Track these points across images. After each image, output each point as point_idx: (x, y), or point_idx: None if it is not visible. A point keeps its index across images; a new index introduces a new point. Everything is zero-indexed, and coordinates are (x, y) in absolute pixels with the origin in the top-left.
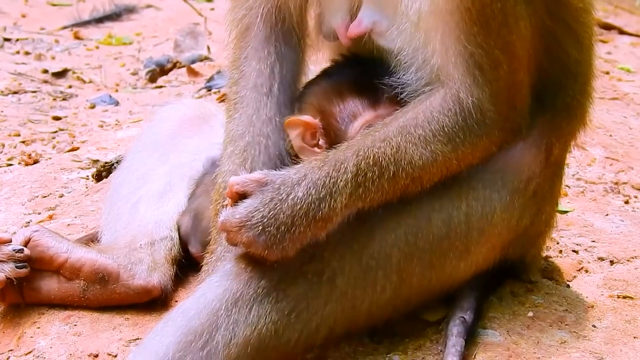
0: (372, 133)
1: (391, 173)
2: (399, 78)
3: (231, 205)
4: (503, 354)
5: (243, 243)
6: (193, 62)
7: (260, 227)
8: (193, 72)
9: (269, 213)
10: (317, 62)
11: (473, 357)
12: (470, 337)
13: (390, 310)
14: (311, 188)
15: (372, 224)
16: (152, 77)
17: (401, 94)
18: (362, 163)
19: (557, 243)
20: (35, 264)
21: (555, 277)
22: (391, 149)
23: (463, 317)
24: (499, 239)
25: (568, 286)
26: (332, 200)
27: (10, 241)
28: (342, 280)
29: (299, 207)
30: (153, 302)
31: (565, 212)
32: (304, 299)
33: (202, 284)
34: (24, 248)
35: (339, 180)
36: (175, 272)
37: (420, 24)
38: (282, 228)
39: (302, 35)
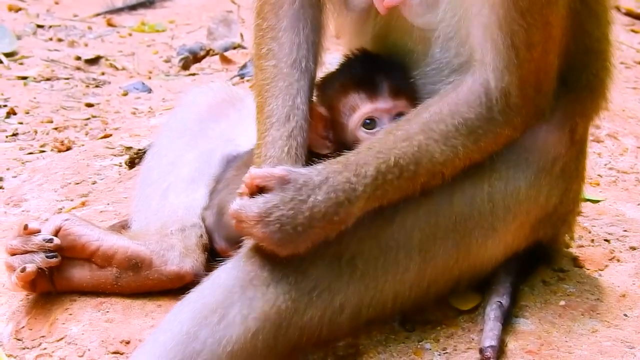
0: (393, 131)
1: (411, 172)
2: (417, 70)
3: (248, 196)
4: (535, 342)
5: (257, 237)
6: (226, 49)
7: (278, 225)
8: (226, 60)
9: (288, 212)
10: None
11: (505, 344)
12: (504, 324)
13: (419, 292)
14: (331, 192)
15: (391, 207)
16: (185, 65)
17: (409, 88)
18: (383, 166)
19: (589, 232)
20: (67, 253)
21: (586, 266)
22: (412, 149)
23: (500, 301)
24: (527, 217)
25: (600, 275)
26: (350, 204)
27: (40, 231)
28: (362, 261)
29: (317, 209)
30: (185, 289)
31: (597, 201)
32: (325, 279)
33: (218, 269)
34: (54, 237)
35: (358, 186)
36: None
37: (459, 0)
38: (299, 228)
39: (326, 7)
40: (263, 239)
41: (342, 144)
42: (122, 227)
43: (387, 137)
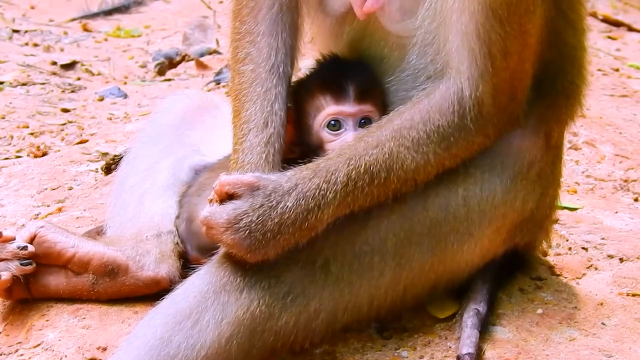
0: (364, 138)
1: (382, 179)
2: (392, 76)
3: (217, 203)
4: (512, 350)
5: (226, 243)
6: (202, 55)
7: (247, 231)
8: (202, 65)
9: (257, 219)
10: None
11: (482, 352)
12: (481, 332)
13: (395, 296)
14: (301, 199)
15: (364, 211)
16: (161, 70)
17: (376, 93)
18: (353, 172)
19: (567, 240)
20: (43, 260)
21: (564, 274)
22: (383, 155)
23: (477, 309)
24: (503, 222)
25: (577, 283)
26: (320, 211)
27: (14, 239)
28: (336, 266)
29: (287, 216)
30: (161, 295)
31: (575, 209)
32: (299, 284)
33: (191, 275)
34: (28, 245)
35: (328, 192)
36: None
37: (438, 7)
38: (268, 234)
39: (303, 11)
40: (232, 245)
41: (308, 147)
42: (97, 233)
43: (358, 143)
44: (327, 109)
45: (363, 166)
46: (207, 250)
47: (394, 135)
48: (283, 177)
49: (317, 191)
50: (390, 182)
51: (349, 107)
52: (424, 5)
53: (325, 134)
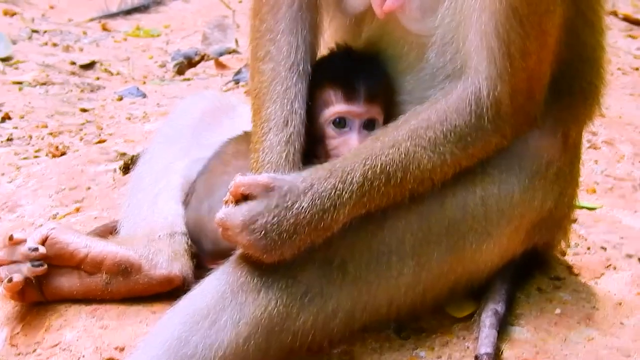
0: (381, 138)
1: (398, 179)
2: (410, 75)
3: (233, 204)
4: (530, 350)
5: (242, 244)
6: (221, 54)
7: (263, 232)
8: (221, 65)
9: (272, 219)
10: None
11: (500, 353)
12: (499, 332)
13: (414, 297)
14: (316, 199)
15: (381, 211)
16: (180, 70)
17: (386, 95)
18: (369, 172)
19: (585, 240)
20: (55, 261)
21: (582, 274)
22: (399, 155)
23: (495, 308)
24: (521, 221)
25: (596, 283)
26: (336, 211)
27: (26, 241)
28: (354, 266)
29: (302, 216)
30: (175, 295)
31: (594, 208)
32: (316, 284)
33: (208, 275)
34: (39, 246)
35: (344, 193)
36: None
37: (458, 6)
38: (284, 235)
39: (322, 10)
40: (248, 246)
41: (312, 137)
42: (108, 231)
43: (374, 143)
44: (336, 106)
45: (379, 166)
46: (219, 252)
47: (411, 135)
48: (299, 177)
49: (333, 191)
50: (407, 182)
51: (357, 108)
52: (444, 4)
53: (330, 130)
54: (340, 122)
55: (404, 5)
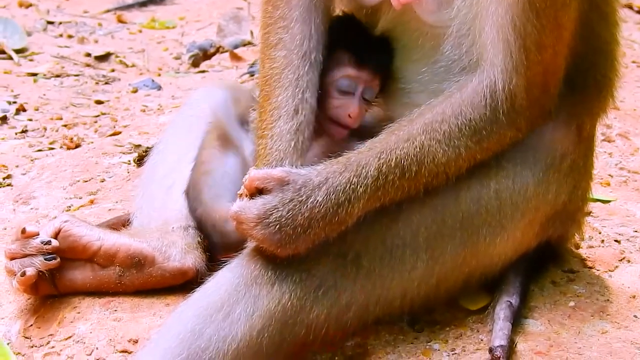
0: (395, 132)
1: (413, 173)
2: (425, 67)
3: (247, 197)
4: (544, 343)
5: (257, 238)
6: (236, 47)
7: (277, 226)
8: (236, 57)
9: (287, 213)
10: None
11: (514, 345)
12: (513, 324)
13: (428, 290)
14: (331, 193)
15: (395, 205)
16: (195, 62)
17: (386, 71)
18: (384, 166)
19: (599, 233)
20: (68, 254)
21: (596, 267)
22: (414, 149)
23: (509, 301)
24: (535, 214)
25: (610, 276)
26: (350, 205)
27: (38, 234)
28: (368, 259)
29: (317, 210)
30: (189, 288)
31: (608, 201)
32: (330, 277)
33: (222, 268)
34: (52, 240)
35: (359, 186)
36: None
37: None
38: (298, 229)
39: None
40: (263, 240)
41: None
42: (121, 224)
43: (389, 137)
44: (347, 68)
45: (394, 160)
46: (227, 243)
47: (425, 128)
48: (313, 171)
49: (348, 185)
50: (421, 176)
51: (365, 75)
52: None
53: (333, 90)
54: (347, 85)
55: None
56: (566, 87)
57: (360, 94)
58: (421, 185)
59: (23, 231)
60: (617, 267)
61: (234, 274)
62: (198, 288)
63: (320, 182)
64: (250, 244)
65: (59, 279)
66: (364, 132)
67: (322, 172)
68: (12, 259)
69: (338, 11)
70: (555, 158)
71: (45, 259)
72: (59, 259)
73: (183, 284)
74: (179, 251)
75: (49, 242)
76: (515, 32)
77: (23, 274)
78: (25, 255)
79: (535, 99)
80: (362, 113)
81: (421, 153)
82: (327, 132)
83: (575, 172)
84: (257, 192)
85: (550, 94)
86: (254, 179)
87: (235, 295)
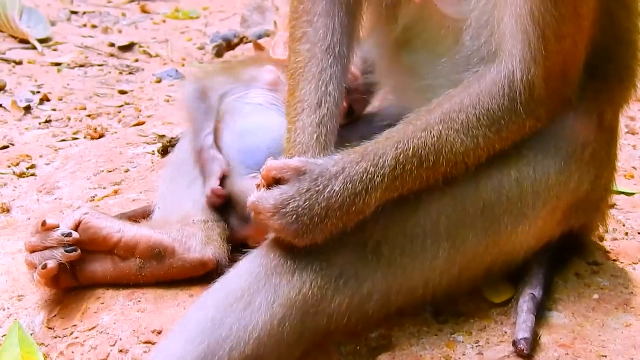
0: (413, 121)
1: (430, 162)
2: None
3: (265, 188)
4: (568, 335)
5: (274, 228)
6: (260, 37)
7: (294, 216)
8: (260, 47)
9: (304, 203)
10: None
11: (538, 338)
12: (537, 317)
13: (450, 279)
14: (348, 183)
15: (415, 194)
16: (219, 52)
17: None
18: (401, 156)
19: (623, 225)
20: (88, 246)
21: (620, 259)
22: (432, 138)
23: (532, 293)
24: (557, 203)
25: (634, 269)
26: (368, 195)
27: (58, 226)
28: (388, 248)
29: (334, 200)
30: (211, 279)
31: (632, 194)
32: (351, 266)
33: (243, 257)
34: (72, 232)
35: (376, 176)
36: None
37: None
38: (315, 219)
39: None
40: (280, 230)
41: None
42: (141, 216)
43: (406, 126)
44: None
45: (411, 149)
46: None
47: (443, 118)
48: (330, 160)
49: (365, 175)
50: (440, 166)
51: None
52: None
53: None
54: None
55: None
56: (587, 77)
57: None
58: (440, 175)
59: (43, 224)
60: None
61: (254, 263)
62: (219, 278)
63: (337, 172)
64: (270, 235)
65: (80, 271)
66: (379, 127)
67: (339, 162)
68: (32, 251)
69: (362, 8)
70: (576, 146)
71: (65, 251)
72: (79, 251)
73: (206, 275)
74: (199, 242)
75: (69, 234)
76: (534, 22)
77: (44, 266)
78: (46, 248)
79: (555, 89)
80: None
81: (439, 143)
82: None
83: (597, 161)
84: (274, 182)
85: (570, 84)
86: (271, 169)
87: (255, 284)
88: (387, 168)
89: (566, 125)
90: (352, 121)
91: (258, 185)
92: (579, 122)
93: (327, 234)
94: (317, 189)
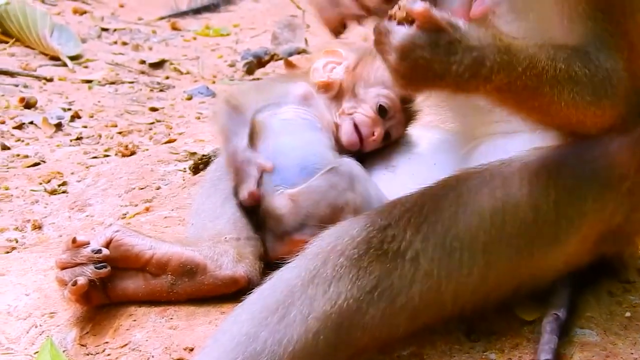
0: (543, 45)
1: (541, 78)
2: None
3: (395, 21)
4: (600, 354)
5: (389, 64)
6: (290, 54)
7: (413, 63)
8: (290, 65)
9: (430, 56)
10: None
11: (570, 356)
12: (567, 336)
13: (479, 296)
14: (479, 63)
15: (457, 207)
16: (250, 69)
17: None
18: (526, 62)
19: None
20: (120, 264)
21: None
22: (554, 70)
23: (556, 314)
24: (590, 231)
25: None
26: (484, 83)
27: (89, 243)
28: (426, 260)
29: (454, 68)
30: (242, 296)
31: None
32: (387, 277)
33: (280, 268)
34: (103, 248)
35: (504, 71)
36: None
37: (541, 7)
38: (429, 74)
39: None
40: (394, 68)
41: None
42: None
43: (533, 44)
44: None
45: (536, 60)
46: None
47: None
48: (474, 33)
49: (496, 66)
50: (541, 95)
51: None
52: (526, 5)
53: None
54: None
55: (493, 9)
56: None
57: None
58: (536, 102)
59: (74, 241)
60: None
61: (292, 273)
62: (252, 292)
63: (474, 47)
64: (308, 246)
65: (111, 289)
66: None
67: (482, 40)
68: (63, 268)
69: None
70: (613, 178)
71: (96, 268)
72: (109, 268)
73: (238, 292)
74: (230, 260)
75: (99, 251)
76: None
77: (74, 283)
78: (76, 265)
79: (626, 90)
80: None
81: (558, 75)
82: None
83: (635, 196)
84: (407, 22)
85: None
86: (418, 13)
87: (290, 297)
88: (522, 65)
89: (609, 153)
90: (386, 145)
91: (390, 17)
92: (622, 155)
93: (429, 90)
94: (447, 51)
